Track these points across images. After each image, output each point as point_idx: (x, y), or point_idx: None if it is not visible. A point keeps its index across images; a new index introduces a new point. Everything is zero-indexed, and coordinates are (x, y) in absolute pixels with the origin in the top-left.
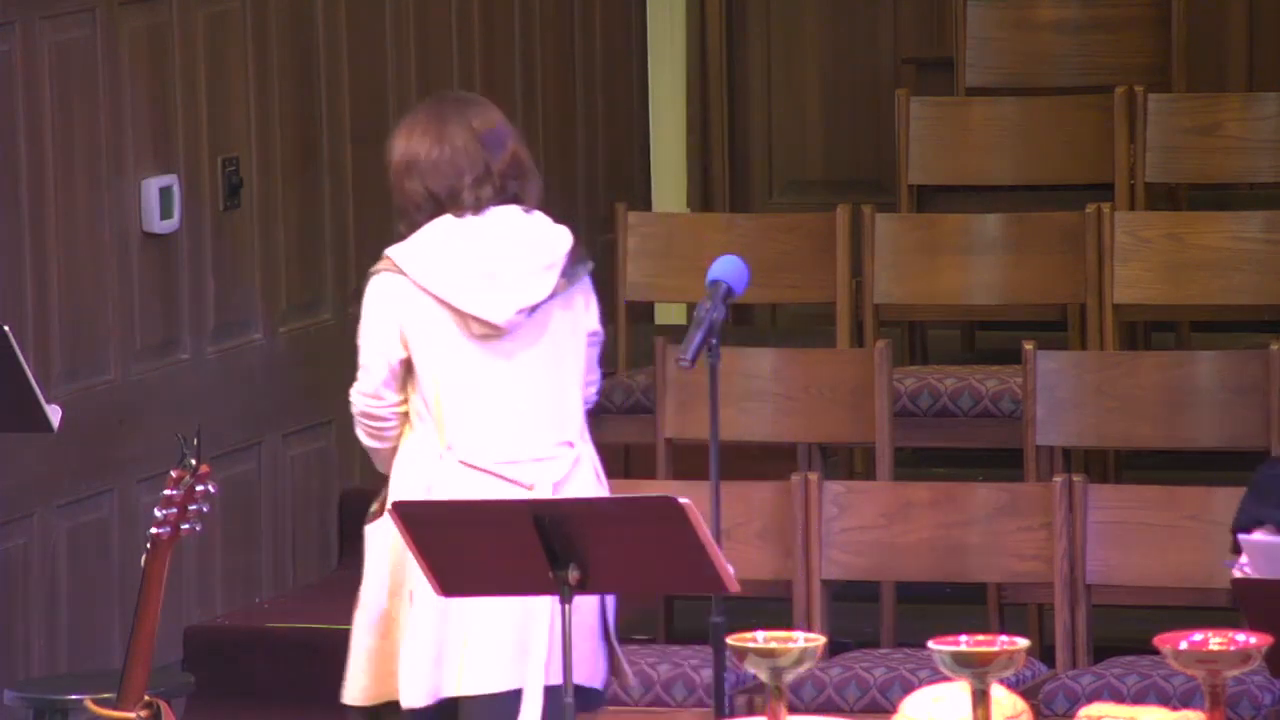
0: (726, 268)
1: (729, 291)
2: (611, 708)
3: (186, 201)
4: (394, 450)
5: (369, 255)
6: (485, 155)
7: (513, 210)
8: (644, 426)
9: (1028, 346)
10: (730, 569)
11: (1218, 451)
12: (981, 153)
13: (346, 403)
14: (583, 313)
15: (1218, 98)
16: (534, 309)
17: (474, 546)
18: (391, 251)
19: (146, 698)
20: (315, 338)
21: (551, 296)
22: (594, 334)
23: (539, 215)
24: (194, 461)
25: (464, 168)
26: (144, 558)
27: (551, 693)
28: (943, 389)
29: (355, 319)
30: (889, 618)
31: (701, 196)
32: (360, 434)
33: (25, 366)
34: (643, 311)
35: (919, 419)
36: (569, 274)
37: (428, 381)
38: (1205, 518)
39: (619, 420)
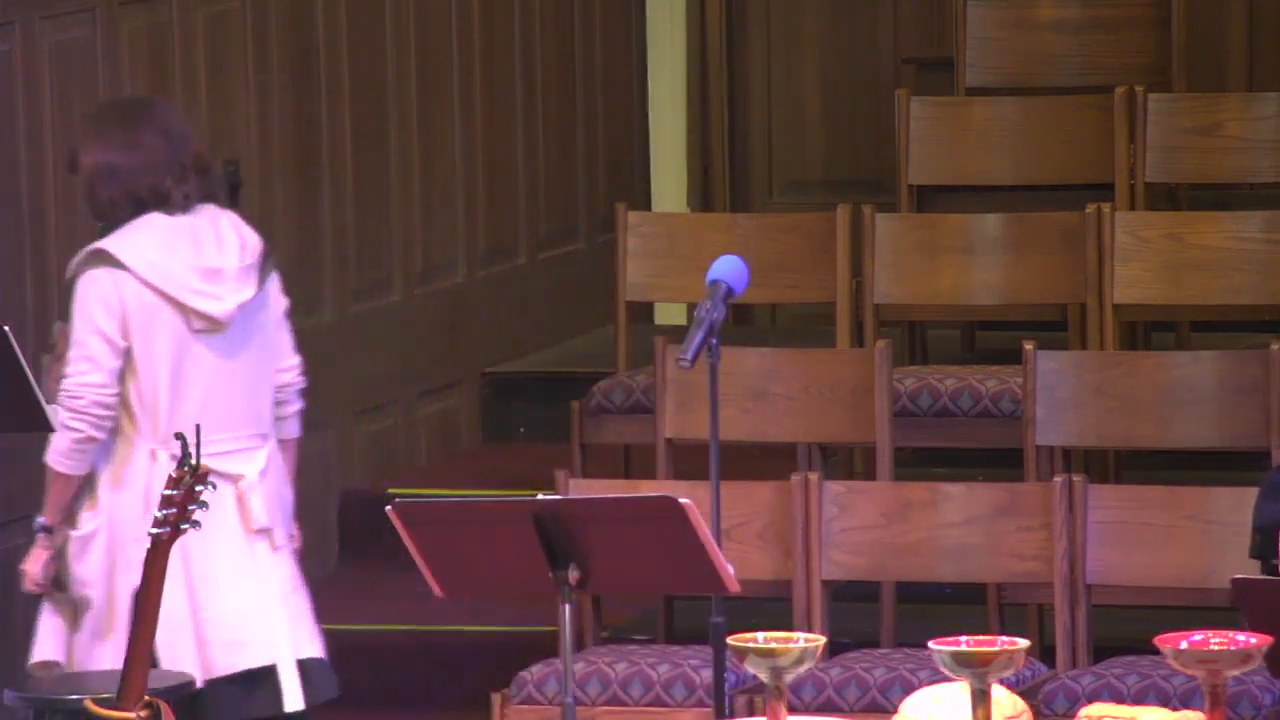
0: (726, 268)
1: (729, 291)
2: (611, 707)
3: None
4: (97, 448)
5: (369, 255)
6: (177, 153)
7: (212, 209)
8: (644, 426)
9: (1028, 346)
10: (730, 569)
11: (1218, 451)
12: (981, 153)
13: (346, 403)
14: (275, 304)
15: (1218, 98)
16: (244, 305)
17: (474, 547)
18: (107, 246)
19: (146, 698)
20: (315, 338)
21: (256, 294)
22: (286, 312)
23: (234, 215)
24: (194, 461)
25: (161, 168)
26: (144, 558)
27: (304, 665)
28: (943, 389)
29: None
30: (889, 618)
31: (701, 196)
32: (81, 431)
33: (25, 366)
34: (643, 311)
35: (919, 419)
36: (263, 272)
37: (148, 373)
38: (1205, 518)
39: (619, 420)
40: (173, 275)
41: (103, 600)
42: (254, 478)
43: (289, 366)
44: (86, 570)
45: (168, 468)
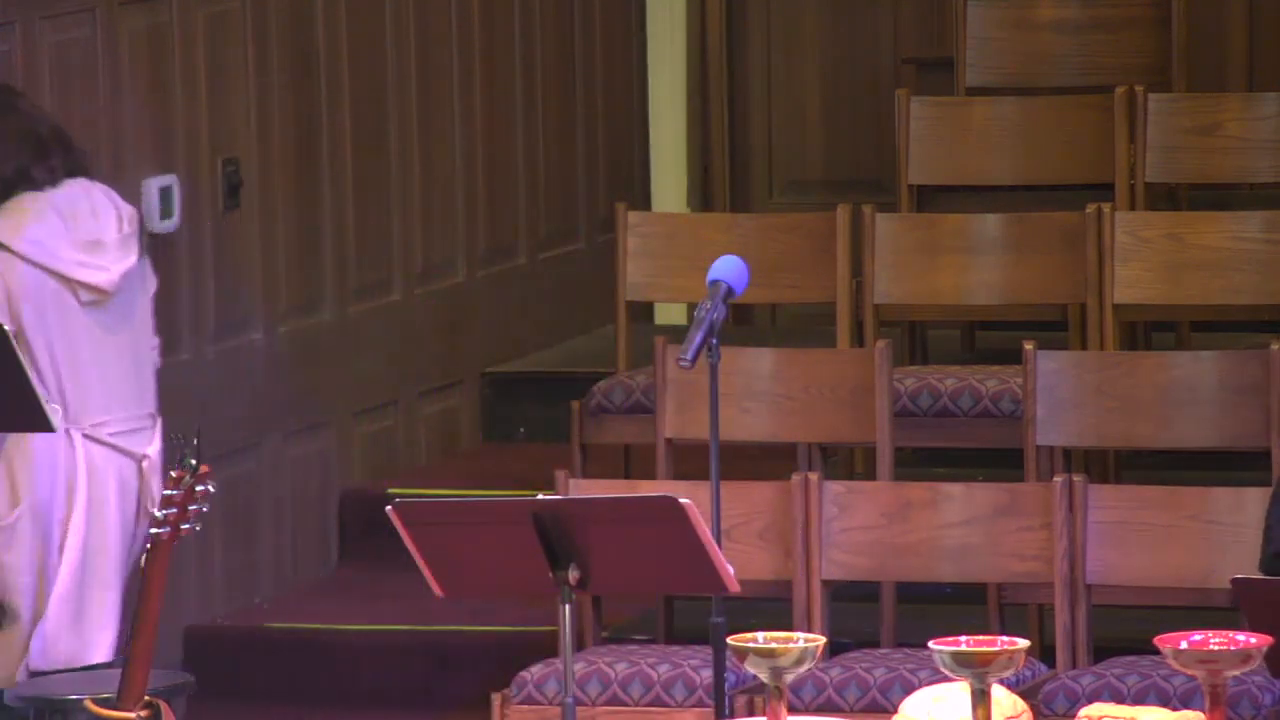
0: (726, 268)
1: (729, 291)
2: (611, 707)
3: (186, 201)
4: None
5: (369, 255)
6: (32, 129)
7: (83, 181)
8: (644, 426)
9: (1028, 346)
10: (730, 569)
11: (1218, 451)
12: (981, 153)
13: (346, 403)
14: (150, 282)
15: (1218, 98)
16: (127, 274)
17: (474, 547)
18: None
19: (146, 698)
20: (315, 337)
21: (138, 262)
22: (154, 293)
23: (105, 186)
24: (194, 461)
25: (17, 145)
26: (144, 558)
27: None
28: (943, 389)
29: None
30: (889, 618)
31: (701, 196)
32: None
33: (26, 366)
34: (643, 311)
35: (919, 419)
36: (141, 241)
37: (44, 353)
38: (1205, 518)
39: (619, 420)
40: (55, 251)
41: (31, 586)
42: (155, 457)
43: (152, 345)
44: (16, 558)
45: (83, 445)
